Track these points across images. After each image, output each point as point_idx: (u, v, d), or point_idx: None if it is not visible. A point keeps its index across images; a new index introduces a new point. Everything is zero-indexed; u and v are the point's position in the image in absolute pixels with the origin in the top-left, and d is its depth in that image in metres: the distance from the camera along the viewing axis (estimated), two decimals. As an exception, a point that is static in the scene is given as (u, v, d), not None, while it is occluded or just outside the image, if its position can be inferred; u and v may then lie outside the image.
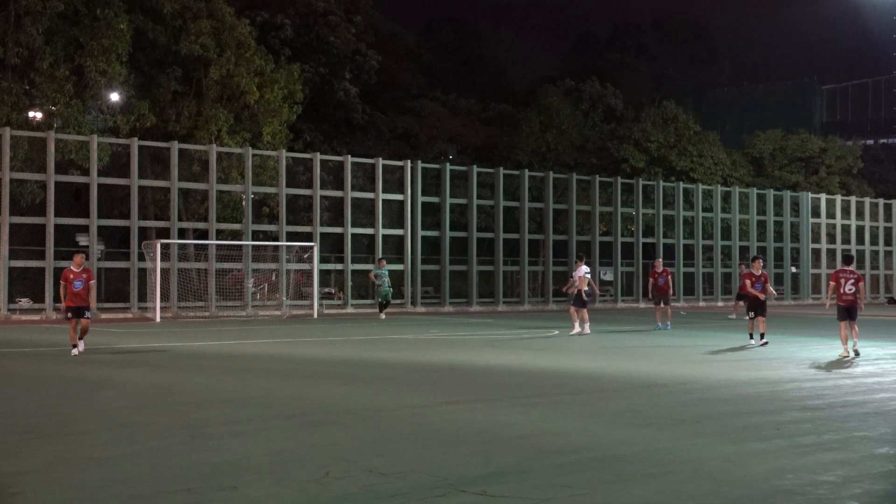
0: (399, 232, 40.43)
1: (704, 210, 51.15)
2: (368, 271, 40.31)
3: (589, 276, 25.26)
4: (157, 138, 36.28)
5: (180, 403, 11.70)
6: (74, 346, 18.00)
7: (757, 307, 20.83)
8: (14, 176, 32.30)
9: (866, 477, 7.61)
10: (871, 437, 9.38)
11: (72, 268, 18.20)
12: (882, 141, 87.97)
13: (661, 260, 30.48)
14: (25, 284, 35.00)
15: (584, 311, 24.84)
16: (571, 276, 26.42)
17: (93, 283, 18.45)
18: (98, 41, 33.84)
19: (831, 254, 56.09)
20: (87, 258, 19.32)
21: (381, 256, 36.64)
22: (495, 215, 43.56)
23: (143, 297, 33.77)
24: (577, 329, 24.57)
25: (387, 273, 33.76)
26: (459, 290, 42.69)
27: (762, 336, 20.61)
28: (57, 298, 32.95)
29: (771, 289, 21.69)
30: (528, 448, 8.73)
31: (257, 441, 9.11)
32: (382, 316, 32.79)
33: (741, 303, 32.27)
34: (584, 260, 26.46)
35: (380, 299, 33.45)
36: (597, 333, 25.05)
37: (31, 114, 34.92)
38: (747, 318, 21.10)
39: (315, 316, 34.82)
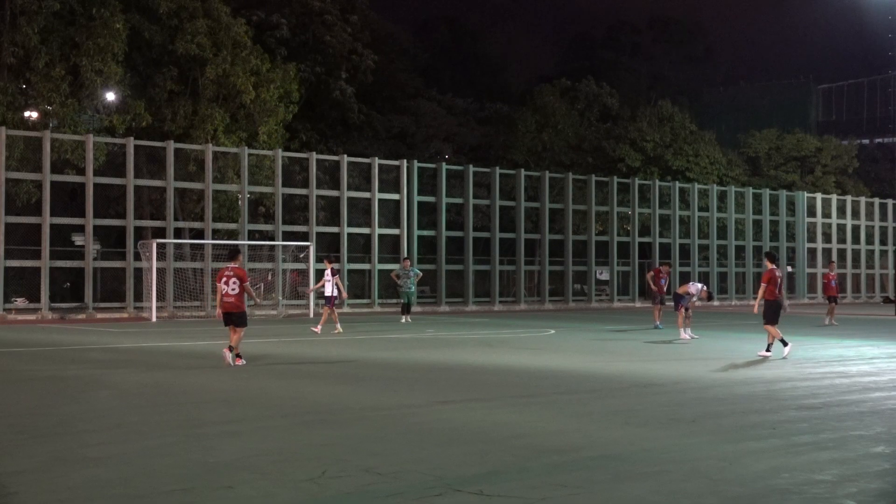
0: (395, 231, 40.42)
1: (700, 209, 51.19)
2: (364, 269, 40.49)
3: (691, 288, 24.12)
4: (153, 138, 36.23)
5: (176, 403, 11.69)
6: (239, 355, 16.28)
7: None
8: (10, 175, 32.24)
9: (862, 476, 7.62)
10: (866, 436, 9.39)
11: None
12: (877, 140, 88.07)
13: (669, 263, 30.69)
14: (21, 284, 34.95)
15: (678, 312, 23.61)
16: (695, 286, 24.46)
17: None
18: (94, 41, 33.77)
19: (827, 253, 56.20)
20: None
21: (405, 256, 36.07)
22: (491, 215, 43.56)
23: (139, 296, 33.74)
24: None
25: (413, 273, 31.58)
26: (455, 290, 42.69)
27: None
28: (50, 297, 32.95)
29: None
30: (525, 447, 8.73)
31: (253, 440, 9.10)
32: (403, 319, 30.50)
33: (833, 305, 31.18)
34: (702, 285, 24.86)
35: (403, 300, 31.38)
36: (594, 333, 25.07)
37: (26, 113, 34.85)
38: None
39: (311, 315, 34.78)
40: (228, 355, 15.95)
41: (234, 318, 16.14)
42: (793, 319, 33.43)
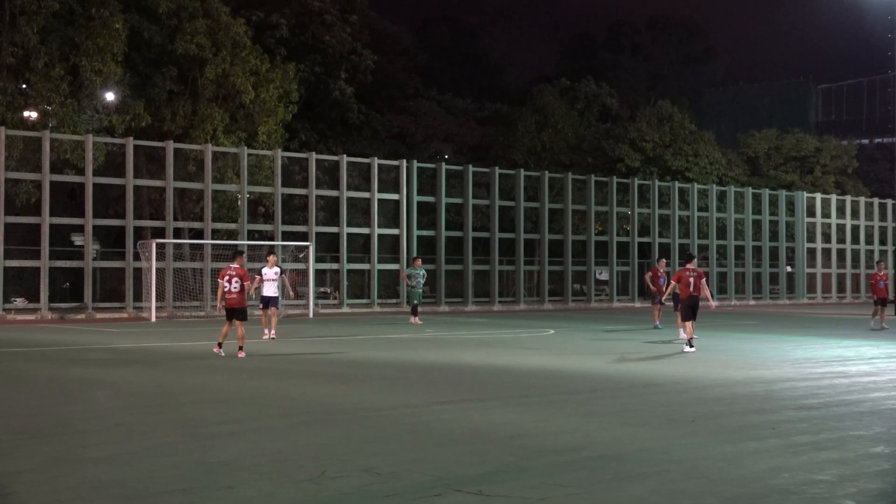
0: (395, 231, 40.42)
1: (700, 209, 51.20)
2: (363, 269, 40.49)
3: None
4: (153, 138, 36.23)
5: (175, 403, 11.69)
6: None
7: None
8: (9, 175, 32.24)
9: (861, 476, 7.62)
10: (866, 437, 9.39)
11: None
12: (877, 140, 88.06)
13: (665, 260, 30.15)
14: (20, 284, 34.95)
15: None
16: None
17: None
18: (93, 41, 33.77)
19: (826, 253, 56.20)
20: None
21: (416, 256, 35.68)
22: (491, 215, 43.55)
23: (138, 296, 33.73)
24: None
25: (422, 273, 30.74)
26: (455, 290, 42.68)
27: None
28: (50, 297, 32.94)
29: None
30: (524, 447, 8.73)
31: (252, 441, 9.11)
32: (412, 320, 29.72)
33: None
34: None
35: (415, 301, 30.59)
36: (594, 333, 25.04)
37: (26, 113, 34.84)
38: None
39: (311, 315, 34.80)
40: (221, 351, 17.62)
41: (237, 313, 17.48)
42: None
